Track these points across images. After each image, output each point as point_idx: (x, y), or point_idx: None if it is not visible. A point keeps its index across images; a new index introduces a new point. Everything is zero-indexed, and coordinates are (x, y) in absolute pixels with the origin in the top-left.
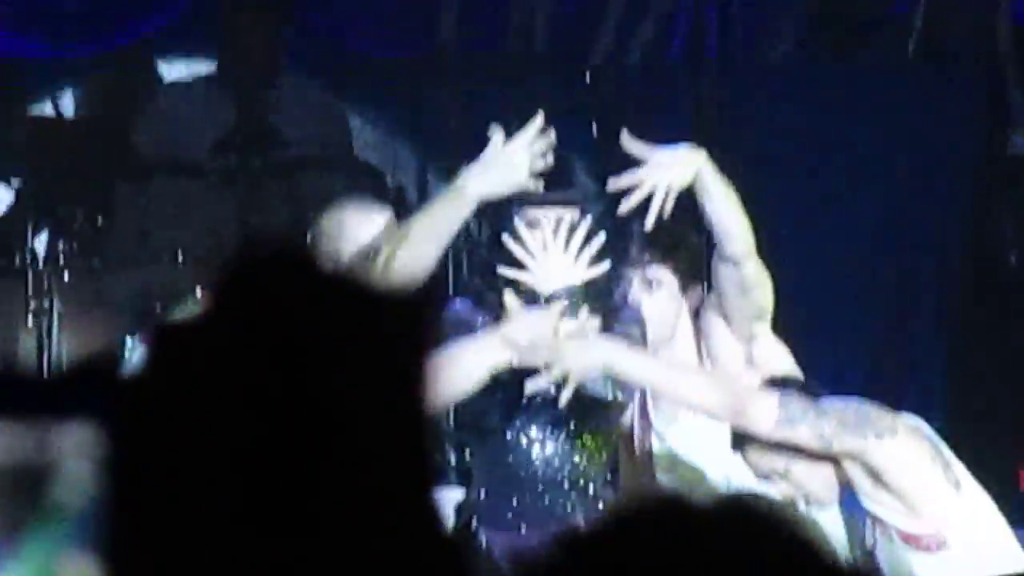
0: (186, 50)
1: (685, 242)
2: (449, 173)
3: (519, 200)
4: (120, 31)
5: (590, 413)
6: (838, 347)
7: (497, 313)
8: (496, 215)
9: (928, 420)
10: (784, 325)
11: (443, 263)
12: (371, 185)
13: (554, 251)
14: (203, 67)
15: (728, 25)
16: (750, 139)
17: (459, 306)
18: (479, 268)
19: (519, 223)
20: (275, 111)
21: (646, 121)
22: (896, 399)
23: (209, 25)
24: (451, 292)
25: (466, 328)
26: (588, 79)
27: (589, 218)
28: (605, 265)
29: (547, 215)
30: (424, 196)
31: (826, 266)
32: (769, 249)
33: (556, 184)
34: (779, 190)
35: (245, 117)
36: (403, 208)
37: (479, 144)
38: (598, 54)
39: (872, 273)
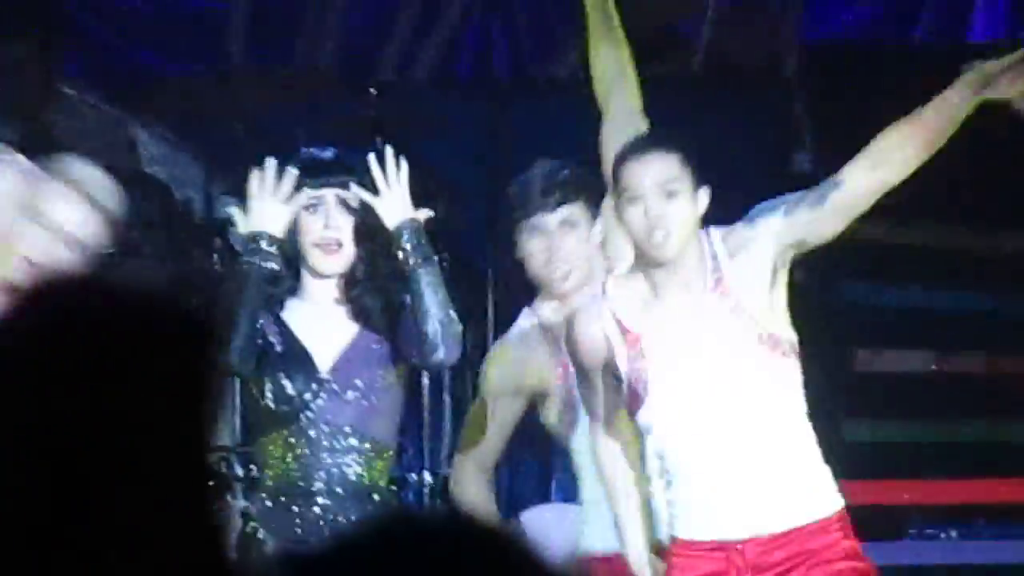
0: None
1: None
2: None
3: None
4: None
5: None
6: None
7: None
8: None
9: None
10: None
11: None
12: (157, 199)
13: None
14: None
15: (516, 41)
16: (536, 159)
17: None
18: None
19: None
20: (57, 122)
21: (434, 137)
22: None
23: None
24: None
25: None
26: (375, 94)
27: None
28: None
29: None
30: (210, 211)
31: None
32: None
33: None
34: None
35: (25, 129)
36: (189, 222)
37: (263, 160)
38: (386, 69)
39: None
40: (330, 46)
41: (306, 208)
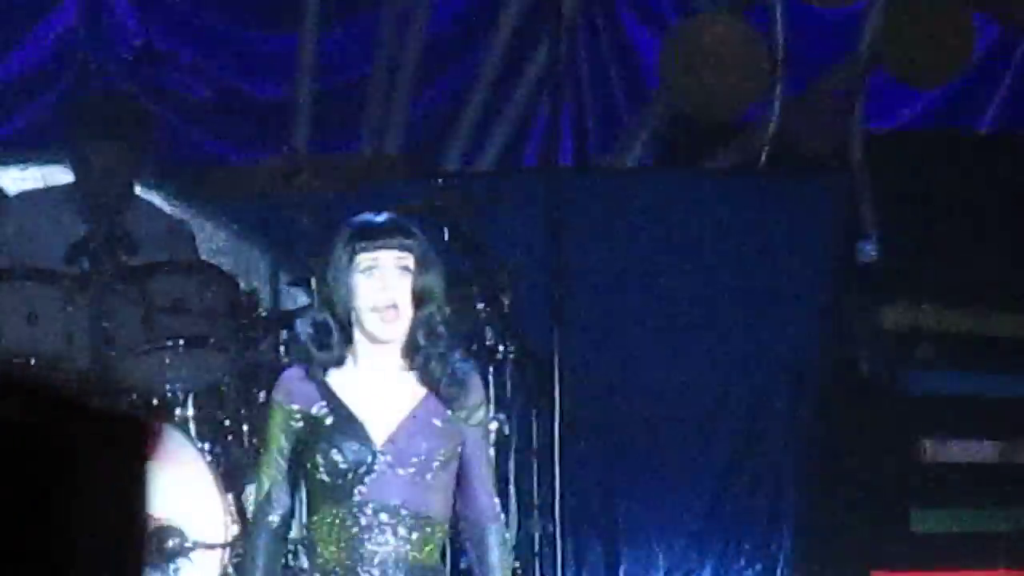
0: (23, 161)
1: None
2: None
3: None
4: None
5: None
6: (689, 464)
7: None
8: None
9: (778, 531)
10: (633, 445)
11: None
12: (222, 289)
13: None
14: (42, 174)
15: (583, 130)
16: (604, 246)
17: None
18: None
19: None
20: (128, 218)
21: (500, 226)
22: (745, 512)
23: (48, 136)
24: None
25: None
26: (440, 183)
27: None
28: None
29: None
30: (276, 300)
31: (679, 377)
32: (621, 365)
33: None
34: (634, 301)
35: (97, 224)
36: (254, 312)
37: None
38: (452, 158)
39: (724, 387)
40: (395, 134)
41: (362, 272)
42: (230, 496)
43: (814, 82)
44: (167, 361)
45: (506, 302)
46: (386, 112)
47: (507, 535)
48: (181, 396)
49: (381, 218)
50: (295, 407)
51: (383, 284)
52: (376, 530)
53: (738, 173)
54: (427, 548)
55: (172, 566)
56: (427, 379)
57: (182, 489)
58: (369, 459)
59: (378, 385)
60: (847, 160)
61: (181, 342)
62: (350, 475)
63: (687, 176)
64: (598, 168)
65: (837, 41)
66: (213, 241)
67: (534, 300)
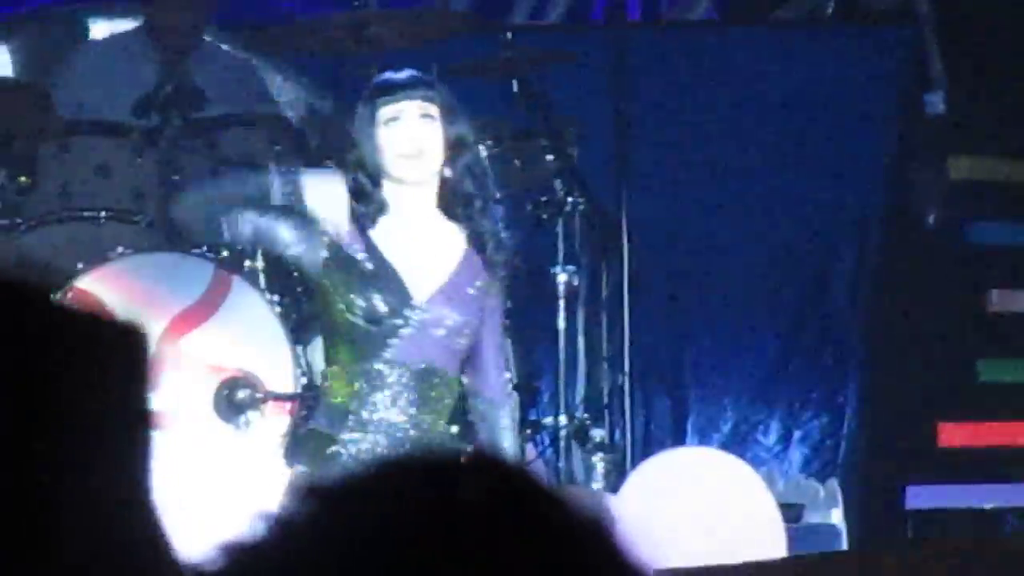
0: (108, 11)
1: None
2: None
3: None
4: None
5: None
6: (755, 317)
7: None
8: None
9: (844, 383)
10: (700, 298)
11: None
12: (292, 143)
13: None
14: (124, 24)
15: None
16: (670, 100)
17: None
18: None
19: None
20: (197, 70)
21: (567, 80)
22: (811, 365)
23: None
24: None
25: None
26: (508, 37)
27: None
28: None
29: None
30: (342, 153)
31: (745, 231)
32: (687, 220)
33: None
34: (699, 155)
35: (167, 76)
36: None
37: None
38: (519, 13)
39: (790, 240)
40: None
41: (385, 124)
42: (299, 348)
43: None
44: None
45: (574, 156)
46: None
47: (516, 416)
48: (250, 248)
49: (402, 74)
50: (326, 238)
51: (408, 132)
52: (397, 388)
53: (804, 26)
54: (440, 412)
55: (242, 418)
56: (473, 233)
57: (251, 341)
58: (408, 313)
59: (415, 238)
60: (914, 13)
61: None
62: (386, 324)
63: (753, 30)
64: (664, 22)
65: None
66: (283, 95)
67: (601, 155)
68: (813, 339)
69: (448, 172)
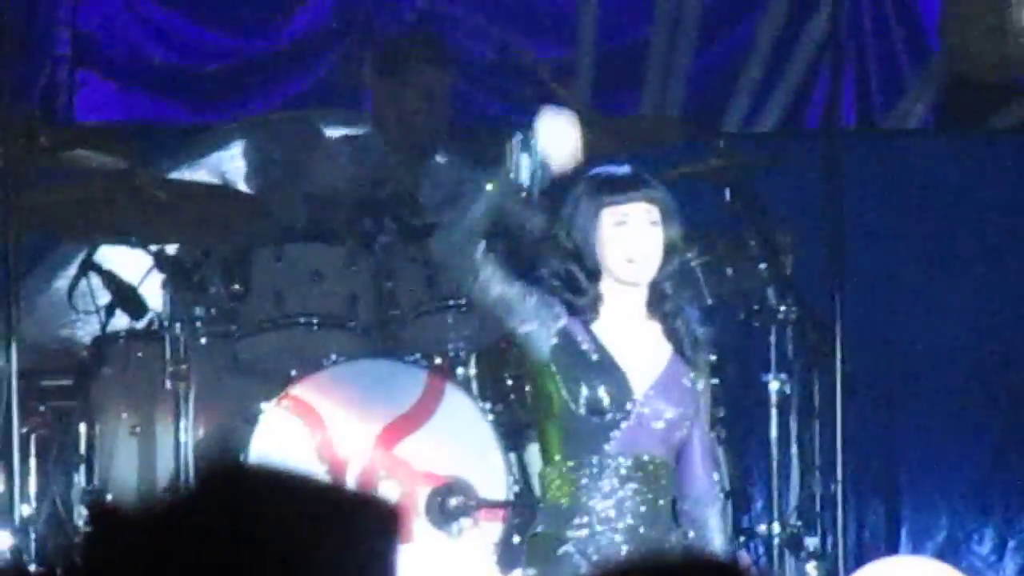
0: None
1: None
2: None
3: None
4: (261, 95)
5: None
6: (969, 422)
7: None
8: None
9: None
10: (914, 403)
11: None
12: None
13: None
14: (354, 130)
15: (864, 91)
16: (884, 207)
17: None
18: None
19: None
20: (415, 175)
21: (780, 188)
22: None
23: (352, 85)
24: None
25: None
26: (721, 144)
27: None
28: None
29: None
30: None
31: (957, 337)
32: (900, 326)
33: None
34: (913, 261)
35: (388, 182)
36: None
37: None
38: (732, 120)
39: (1004, 346)
40: (676, 96)
41: (615, 225)
42: (512, 456)
43: None
44: (449, 321)
45: (787, 263)
46: (666, 74)
47: (726, 519)
48: (463, 355)
49: (624, 169)
50: (561, 323)
51: (636, 237)
52: (620, 478)
53: (1018, 133)
54: (664, 500)
55: (455, 525)
56: (670, 334)
57: (464, 448)
58: (629, 406)
59: (630, 334)
60: None
61: (463, 302)
62: (608, 417)
63: (968, 137)
64: (879, 130)
65: None
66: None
67: (814, 261)
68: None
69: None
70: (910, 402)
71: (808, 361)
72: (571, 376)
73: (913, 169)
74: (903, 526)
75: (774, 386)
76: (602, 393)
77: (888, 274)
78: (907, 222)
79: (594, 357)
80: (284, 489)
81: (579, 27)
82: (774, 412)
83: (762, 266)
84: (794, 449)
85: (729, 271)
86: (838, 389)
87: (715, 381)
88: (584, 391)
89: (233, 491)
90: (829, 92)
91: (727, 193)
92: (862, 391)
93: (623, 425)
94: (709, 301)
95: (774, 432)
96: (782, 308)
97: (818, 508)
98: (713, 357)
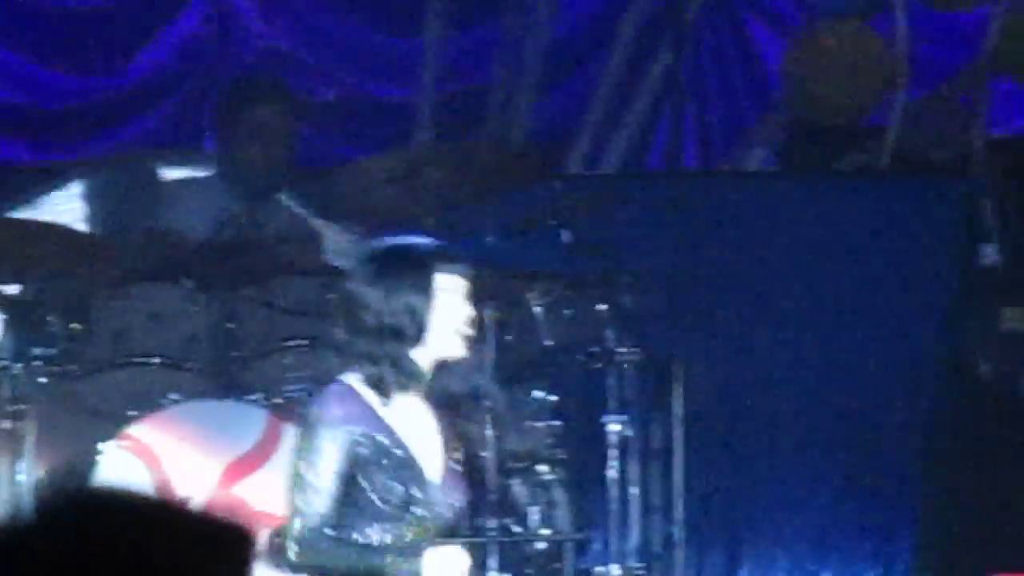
0: (181, 158)
1: None
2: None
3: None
4: (104, 135)
5: None
6: (809, 468)
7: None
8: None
9: (898, 536)
10: (754, 448)
11: None
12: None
13: None
14: (195, 172)
15: (706, 133)
16: (726, 249)
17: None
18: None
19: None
20: (256, 217)
21: (620, 229)
22: (865, 517)
23: (196, 125)
24: None
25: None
26: (559, 187)
27: None
28: None
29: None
30: None
31: (798, 381)
32: (741, 369)
33: None
34: (755, 304)
35: (230, 223)
36: None
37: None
38: (575, 161)
39: (844, 391)
40: (518, 138)
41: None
42: None
43: (937, 87)
44: (290, 361)
45: (627, 304)
46: (508, 116)
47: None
48: (304, 396)
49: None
50: (359, 430)
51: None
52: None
53: (861, 177)
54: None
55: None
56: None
57: None
58: (422, 496)
59: (415, 417)
60: (969, 165)
61: (304, 342)
62: (402, 504)
63: (810, 179)
64: (721, 171)
65: (960, 46)
66: (338, 243)
67: (655, 303)
68: (867, 491)
69: None
70: (749, 446)
71: (647, 403)
72: (367, 471)
73: (754, 211)
74: (742, 569)
75: (614, 428)
76: (398, 488)
77: (729, 318)
78: (749, 263)
79: (397, 452)
80: (133, 513)
81: (423, 70)
82: (614, 453)
83: (602, 307)
84: (635, 491)
85: (567, 312)
86: (678, 431)
87: (556, 423)
88: (381, 487)
89: (77, 515)
90: (671, 134)
91: (565, 234)
92: (703, 434)
93: (418, 508)
94: (549, 342)
95: (614, 474)
96: (621, 350)
97: (658, 550)
98: (554, 398)
